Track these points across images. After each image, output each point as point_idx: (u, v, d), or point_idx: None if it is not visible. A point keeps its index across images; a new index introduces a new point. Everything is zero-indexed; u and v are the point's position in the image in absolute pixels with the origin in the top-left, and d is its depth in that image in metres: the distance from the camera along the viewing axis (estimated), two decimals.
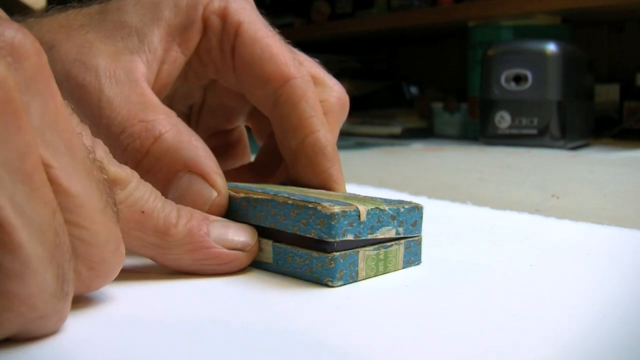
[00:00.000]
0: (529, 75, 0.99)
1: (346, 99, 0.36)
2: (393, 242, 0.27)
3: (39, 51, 0.18)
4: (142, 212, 0.23)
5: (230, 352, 0.19)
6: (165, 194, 0.26)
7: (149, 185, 0.24)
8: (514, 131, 1.00)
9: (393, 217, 0.27)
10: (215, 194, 0.28)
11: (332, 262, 0.25)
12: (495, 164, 0.75)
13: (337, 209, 0.25)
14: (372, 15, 1.42)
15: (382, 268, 0.27)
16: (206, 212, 0.27)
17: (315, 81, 0.33)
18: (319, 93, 0.33)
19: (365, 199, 0.27)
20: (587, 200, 0.47)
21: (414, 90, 1.44)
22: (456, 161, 0.81)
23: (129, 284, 0.25)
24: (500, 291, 0.25)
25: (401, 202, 0.28)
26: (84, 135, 0.20)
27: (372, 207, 0.26)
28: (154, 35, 0.31)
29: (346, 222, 0.25)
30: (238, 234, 0.26)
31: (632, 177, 0.64)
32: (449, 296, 0.24)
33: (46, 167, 0.17)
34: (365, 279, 0.26)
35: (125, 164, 0.27)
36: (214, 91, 0.36)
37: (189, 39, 0.32)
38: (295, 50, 0.34)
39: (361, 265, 0.26)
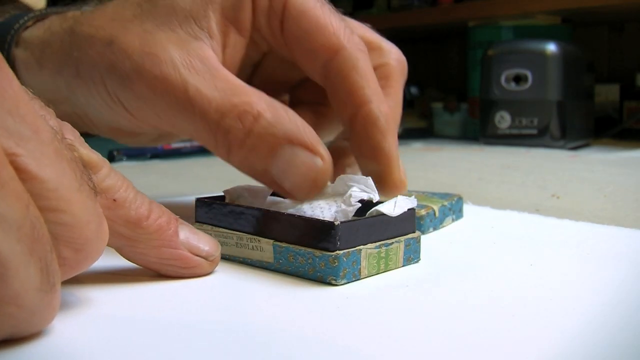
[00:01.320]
0: (529, 75, 0.99)
1: (404, 60, 0.36)
2: (394, 240, 0.27)
3: None
4: (114, 200, 0.23)
5: (230, 352, 0.19)
6: (269, 168, 0.27)
7: (120, 174, 0.24)
8: (514, 131, 1.00)
9: (450, 209, 0.36)
10: (320, 161, 0.28)
11: (335, 260, 0.25)
12: (495, 164, 0.75)
13: (423, 211, 0.33)
14: (372, 15, 1.42)
15: (383, 266, 0.27)
16: (313, 180, 0.27)
17: (371, 46, 0.33)
18: (377, 58, 0.33)
19: (424, 197, 0.35)
20: (587, 200, 0.47)
21: (414, 90, 1.44)
22: (456, 161, 0.81)
23: (124, 285, 0.25)
24: (500, 291, 0.25)
25: (448, 195, 0.38)
26: (50, 118, 0.20)
27: (440, 205, 0.35)
28: (211, 19, 0.30)
29: (429, 219, 0.34)
30: (203, 242, 0.26)
31: (632, 177, 0.64)
32: (449, 296, 0.24)
33: (11, 156, 0.17)
34: (367, 277, 0.26)
35: (229, 147, 0.27)
36: (268, 65, 0.35)
37: (243, 19, 0.31)
38: (347, 18, 0.34)
39: (364, 263, 0.26)
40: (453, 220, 0.37)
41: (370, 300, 0.24)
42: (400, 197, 0.28)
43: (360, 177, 0.28)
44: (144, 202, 0.24)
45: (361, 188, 0.28)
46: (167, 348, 0.19)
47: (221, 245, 0.28)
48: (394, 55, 0.35)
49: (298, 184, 0.29)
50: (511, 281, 0.26)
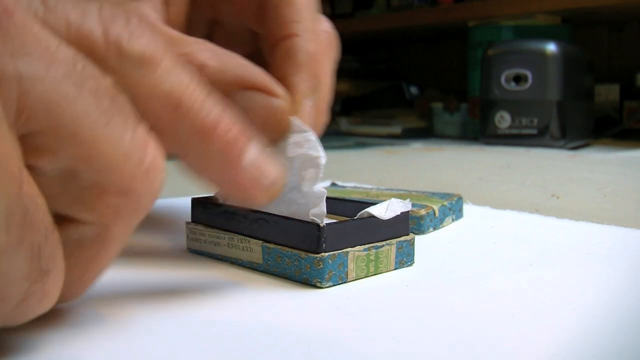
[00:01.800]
0: (529, 75, 0.99)
1: (334, 35, 0.31)
2: (384, 243, 0.27)
3: None
4: (178, 104, 0.19)
5: (220, 353, 0.19)
6: None
7: (188, 68, 0.20)
8: (514, 131, 1.00)
9: (450, 209, 0.36)
10: (278, 101, 0.25)
11: (320, 263, 0.24)
12: (495, 164, 0.75)
13: (423, 211, 0.34)
14: (372, 15, 1.42)
15: (373, 269, 0.26)
16: (277, 122, 0.24)
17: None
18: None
19: (424, 197, 0.35)
20: (587, 200, 0.47)
21: (414, 90, 1.44)
22: (456, 161, 0.81)
23: (119, 284, 0.25)
24: (500, 291, 0.25)
25: (448, 195, 0.38)
26: (82, 22, 0.17)
27: (440, 205, 0.35)
28: None
29: (428, 219, 0.34)
30: (268, 170, 0.22)
31: (632, 177, 0.64)
32: (449, 296, 0.24)
33: (22, 98, 0.15)
34: (355, 279, 0.26)
35: None
36: (220, 34, 0.32)
37: None
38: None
39: (351, 266, 0.25)
40: (453, 220, 0.37)
41: (370, 300, 0.24)
42: (393, 200, 0.28)
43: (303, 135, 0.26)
44: (214, 107, 0.20)
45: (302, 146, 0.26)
46: (157, 350, 0.19)
47: (214, 245, 0.29)
48: (322, 26, 0.30)
49: (260, 131, 0.24)
50: (511, 281, 0.26)
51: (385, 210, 0.27)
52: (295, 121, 0.26)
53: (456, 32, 1.33)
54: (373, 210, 0.27)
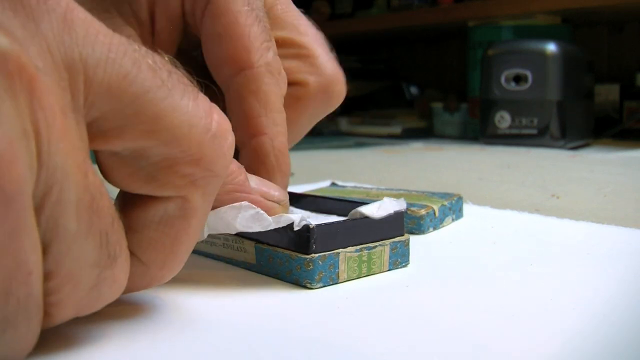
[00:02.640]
0: (529, 75, 0.99)
1: (335, 85, 0.31)
2: (377, 244, 0.27)
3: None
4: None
5: (213, 351, 0.19)
6: None
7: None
8: (514, 131, 1.00)
9: (450, 209, 0.36)
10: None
11: (310, 264, 0.24)
12: (495, 164, 0.75)
13: (423, 211, 0.34)
14: (372, 15, 1.42)
15: (365, 270, 0.26)
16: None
17: (301, 54, 0.30)
18: (300, 72, 0.30)
19: (424, 197, 0.35)
20: (587, 200, 0.47)
21: (414, 90, 1.44)
22: (456, 161, 0.81)
23: None
24: (500, 291, 0.25)
25: (448, 195, 0.38)
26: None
27: (440, 205, 0.35)
28: (141, 3, 0.27)
29: (428, 219, 0.34)
30: (273, 188, 0.25)
31: (632, 177, 0.64)
32: (449, 296, 0.24)
33: (84, 82, 0.16)
34: (347, 280, 0.26)
35: None
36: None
37: (172, 5, 0.28)
38: (300, 17, 0.30)
39: (342, 267, 0.25)
40: (453, 220, 0.37)
41: (370, 300, 0.24)
42: (386, 199, 0.28)
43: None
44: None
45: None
46: (157, 348, 0.19)
47: (210, 245, 0.29)
48: (318, 78, 0.30)
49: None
50: (511, 281, 0.26)
51: (377, 209, 0.27)
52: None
53: (456, 32, 1.33)
54: (364, 209, 0.26)
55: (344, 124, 1.35)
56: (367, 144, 1.11)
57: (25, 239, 0.15)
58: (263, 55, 0.27)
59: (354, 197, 0.35)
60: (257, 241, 0.26)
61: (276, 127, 0.28)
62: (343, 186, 0.44)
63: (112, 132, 0.17)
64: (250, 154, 0.28)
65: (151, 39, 0.28)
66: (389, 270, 0.27)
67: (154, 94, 0.17)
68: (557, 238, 0.34)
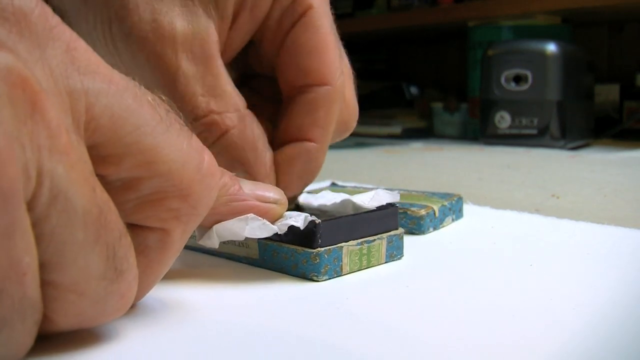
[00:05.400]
0: (529, 75, 0.99)
1: (353, 121, 0.34)
2: (375, 237, 0.28)
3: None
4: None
5: (219, 347, 0.19)
6: None
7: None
8: (514, 131, 1.00)
9: (450, 209, 0.37)
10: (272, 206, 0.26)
11: (317, 257, 0.25)
12: (495, 164, 0.75)
13: (423, 211, 0.34)
14: (372, 15, 1.42)
15: (365, 262, 0.27)
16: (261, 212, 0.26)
17: None
18: None
19: (424, 197, 0.35)
20: (587, 200, 0.47)
21: (414, 90, 1.44)
22: (456, 161, 0.81)
23: None
24: (500, 291, 0.25)
25: (448, 195, 0.38)
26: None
27: (440, 205, 0.35)
28: (229, 1, 0.29)
29: (428, 219, 0.34)
30: (268, 190, 0.26)
31: (632, 177, 0.64)
32: (449, 296, 0.24)
33: (90, 109, 0.17)
34: (349, 273, 0.27)
35: None
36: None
37: (260, 6, 0.29)
38: (344, 53, 0.33)
39: (345, 260, 0.26)
40: (453, 220, 0.37)
41: (370, 299, 0.24)
42: (380, 191, 0.29)
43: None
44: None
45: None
46: (159, 347, 0.19)
47: None
48: (349, 108, 0.33)
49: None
50: (511, 281, 0.26)
51: (369, 199, 0.28)
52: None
53: (456, 32, 1.33)
54: (356, 198, 0.28)
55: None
56: (367, 144, 1.11)
57: (19, 238, 0.15)
58: (340, 77, 0.30)
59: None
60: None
61: (325, 143, 0.31)
62: (343, 186, 0.44)
63: (110, 159, 0.18)
64: (294, 154, 0.30)
65: (227, 34, 0.29)
66: (385, 262, 0.28)
67: (153, 127, 0.18)
68: (557, 238, 0.34)
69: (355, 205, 0.28)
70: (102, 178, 0.18)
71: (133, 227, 0.19)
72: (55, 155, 0.16)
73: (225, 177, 0.24)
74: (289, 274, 0.26)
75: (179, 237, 0.20)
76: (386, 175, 0.66)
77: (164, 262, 0.20)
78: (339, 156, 0.87)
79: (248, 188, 0.25)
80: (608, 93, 1.17)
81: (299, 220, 0.25)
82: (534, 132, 0.99)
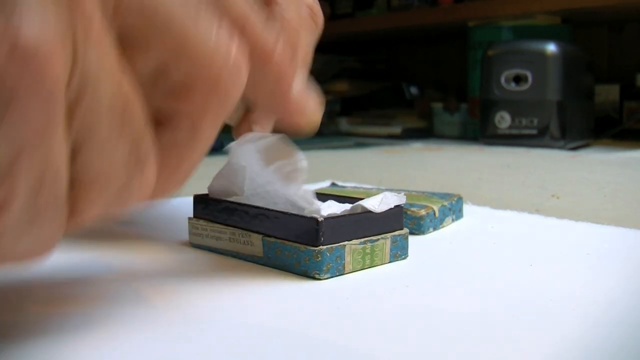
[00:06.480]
0: (529, 75, 0.99)
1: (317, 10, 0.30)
2: (379, 237, 0.28)
3: None
4: (243, 27, 0.21)
5: (222, 343, 0.19)
6: None
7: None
8: (514, 131, 1.00)
9: (450, 209, 0.37)
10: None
11: (319, 255, 0.25)
12: (495, 164, 0.75)
13: (423, 212, 0.34)
14: (372, 15, 1.42)
15: (368, 261, 0.27)
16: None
17: None
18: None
19: (424, 197, 0.35)
20: (587, 200, 0.47)
21: (414, 90, 1.44)
22: (456, 161, 0.81)
23: (120, 279, 0.25)
24: (500, 291, 0.25)
25: (448, 195, 0.38)
26: None
27: (440, 205, 0.35)
28: None
29: (428, 219, 0.34)
30: (310, 101, 0.24)
31: (632, 177, 0.64)
32: (449, 296, 0.24)
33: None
34: (352, 272, 0.27)
35: None
36: None
37: None
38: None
39: (348, 258, 0.26)
40: (453, 220, 0.37)
41: (370, 299, 0.24)
42: (387, 193, 0.29)
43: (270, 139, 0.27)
44: (271, 32, 0.22)
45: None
46: (158, 346, 0.19)
47: (216, 240, 0.29)
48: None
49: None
50: (511, 281, 0.26)
51: (378, 203, 0.28)
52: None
53: (456, 32, 1.33)
54: (366, 203, 0.27)
55: (344, 124, 1.35)
56: (367, 144, 1.11)
57: (57, 136, 0.15)
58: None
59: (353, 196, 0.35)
60: (265, 235, 0.27)
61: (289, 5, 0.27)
62: (343, 186, 0.44)
63: (139, 46, 0.18)
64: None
65: None
66: (389, 262, 0.28)
67: (184, 15, 0.18)
68: (557, 238, 0.34)
69: (364, 209, 0.28)
70: (130, 67, 0.18)
71: (162, 120, 0.19)
72: (88, 47, 0.15)
73: (284, 63, 0.22)
74: (291, 272, 0.26)
75: (209, 127, 0.20)
76: (386, 175, 0.66)
77: (196, 153, 0.20)
78: (339, 156, 0.87)
79: (297, 86, 0.24)
80: (608, 93, 1.17)
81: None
82: (534, 132, 0.99)
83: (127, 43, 0.17)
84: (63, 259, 0.28)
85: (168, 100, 0.19)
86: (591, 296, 0.24)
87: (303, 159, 0.26)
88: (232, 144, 0.28)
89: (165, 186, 0.20)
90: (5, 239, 0.16)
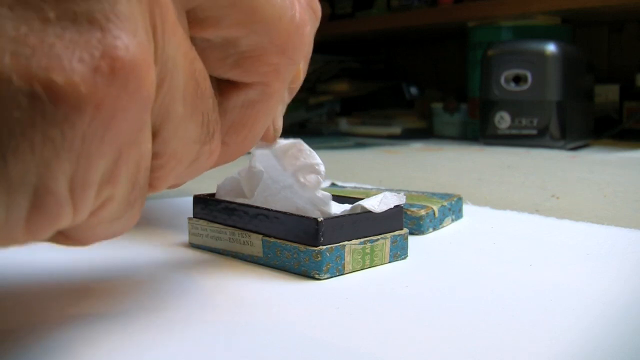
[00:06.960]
0: (529, 75, 0.99)
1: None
2: (379, 237, 0.28)
3: None
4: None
5: (222, 343, 0.19)
6: None
7: None
8: (514, 131, 1.00)
9: (450, 209, 0.36)
10: None
11: (318, 255, 0.25)
12: (495, 164, 0.75)
13: (422, 212, 0.34)
14: (372, 15, 1.42)
15: (368, 262, 0.27)
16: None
17: None
18: None
19: (424, 197, 0.35)
20: (587, 200, 0.47)
21: (414, 90, 1.44)
22: (456, 161, 0.81)
23: (120, 278, 0.25)
24: (500, 291, 0.25)
25: (448, 195, 0.38)
26: None
27: (439, 205, 0.35)
28: None
29: (428, 220, 0.34)
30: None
31: (632, 177, 0.64)
32: (449, 296, 0.24)
33: None
34: (351, 272, 0.27)
35: None
36: None
37: None
38: None
39: (347, 258, 0.26)
40: (453, 220, 0.37)
41: (370, 299, 0.24)
42: (387, 194, 0.29)
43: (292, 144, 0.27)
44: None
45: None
46: (157, 345, 0.19)
47: (215, 240, 0.29)
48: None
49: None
50: (511, 281, 0.26)
51: (378, 203, 0.28)
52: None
53: (456, 32, 1.33)
54: (366, 203, 0.27)
55: (343, 124, 1.35)
56: (367, 144, 1.11)
57: (147, 131, 0.16)
58: None
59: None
60: (264, 235, 0.27)
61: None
62: (343, 186, 0.44)
63: (209, 21, 0.18)
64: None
65: None
66: (389, 262, 0.28)
67: None
68: (557, 238, 0.34)
69: (364, 209, 0.28)
70: (201, 39, 0.18)
71: (235, 87, 0.20)
72: (166, 38, 0.16)
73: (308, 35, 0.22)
74: (291, 272, 0.26)
75: (279, 87, 0.20)
76: (386, 175, 0.66)
77: (269, 112, 0.21)
78: (339, 156, 0.87)
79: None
80: (608, 93, 1.17)
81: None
82: (534, 132, 0.99)
83: (196, 19, 0.18)
84: (63, 259, 0.28)
85: (239, 65, 0.19)
86: (591, 296, 0.24)
87: (321, 163, 0.27)
88: (253, 149, 0.28)
89: (240, 148, 0.21)
90: (101, 226, 0.16)
